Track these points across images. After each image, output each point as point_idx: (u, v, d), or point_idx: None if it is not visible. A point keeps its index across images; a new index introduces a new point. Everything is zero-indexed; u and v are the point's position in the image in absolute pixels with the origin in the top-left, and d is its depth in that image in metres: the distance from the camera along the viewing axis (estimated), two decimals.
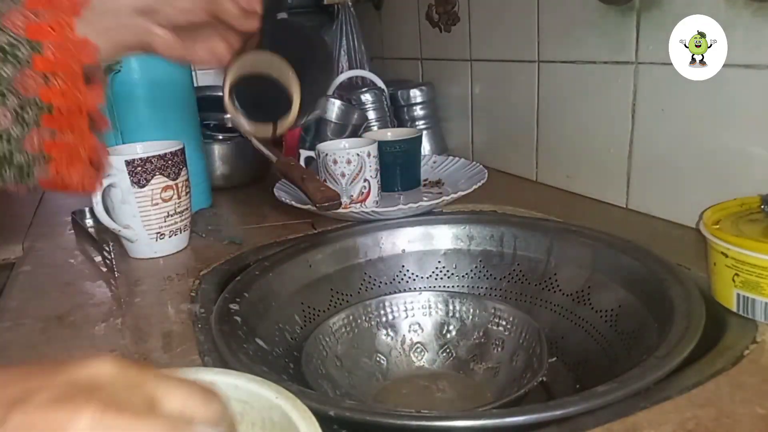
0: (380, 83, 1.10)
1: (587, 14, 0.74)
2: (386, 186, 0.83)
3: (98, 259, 0.70)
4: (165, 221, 0.69)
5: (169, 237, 0.70)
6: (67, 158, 0.40)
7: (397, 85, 1.10)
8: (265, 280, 0.61)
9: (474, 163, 0.86)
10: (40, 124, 0.39)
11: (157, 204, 0.68)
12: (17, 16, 0.38)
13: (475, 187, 0.76)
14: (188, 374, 0.36)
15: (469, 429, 0.36)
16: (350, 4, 1.17)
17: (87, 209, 0.83)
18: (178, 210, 0.70)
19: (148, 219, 0.68)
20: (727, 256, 0.46)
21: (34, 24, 0.38)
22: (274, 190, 0.79)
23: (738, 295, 0.47)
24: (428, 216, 0.74)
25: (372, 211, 0.71)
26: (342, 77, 1.09)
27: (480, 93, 1.01)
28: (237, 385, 0.34)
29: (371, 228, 0.72)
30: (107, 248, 0.65)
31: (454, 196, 0.73)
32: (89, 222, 0.82)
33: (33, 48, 0.38)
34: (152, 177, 0.66)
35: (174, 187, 0.69)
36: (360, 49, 1.19)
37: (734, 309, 0.47)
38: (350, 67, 1.17)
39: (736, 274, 0.46)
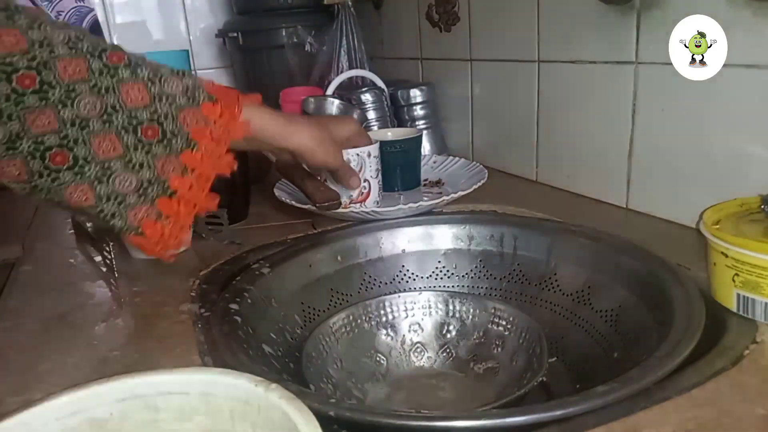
0: (380, 83, 1.10)
1: (587, 14, 0.74)
2: (386, 186, 0.83)
3: (98, 259, 0.70)
4: None
5: None
6: (156, 240, 0.45)
7: (397, 85, 1.10)
8: (265, 280, 0.61)
9: (474, 163, 0.86)
10: (154, 203, 0.44)
11: None
12: (191, 115, 0.44)
13: (475, 186, 0.76)
14: (188, 375, 0.36)
15: (469, 429, 0.36)
16: (350, 3, 1.17)
17: None
18: None
19: None
20: (727, 256, 0.46)
21: (200, 128, 0.45)
22: (274, 190, 0.79)
23: (738, 295, 0.47)
24: (428, 216, 0.74)
25: (372, 211, 0.71)
26: (342, 77, 1.09)
27: (480, 93, 1.01)
28: (237, 385, 0.34)
29: (371, 228, 0.72)
30: (107, 248, 0.65)
31: (454, 195, 0.73)
32: (89, 223, 0.82)
33: (189, 144, 0.44)
34: None
35: None
36: (360, 49, 1.18)
37: (734, 309, 0.47)
38: (350, 67, 1.17)
39: (736, 274, 0.46)
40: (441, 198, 0.73)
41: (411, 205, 0.71)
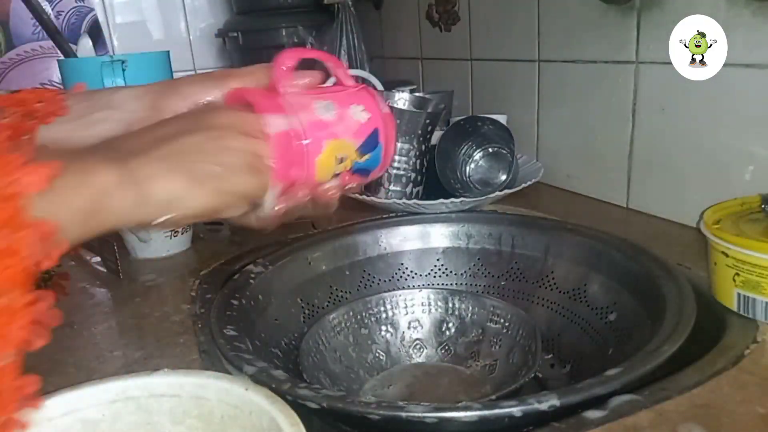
0: (378, 85, 1.10)
1: (587, 14, 0.74)
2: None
3: (97, 259, 0.70)
4: None
5: (182, 234, 0.70)
6: None
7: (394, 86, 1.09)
8: (264, 276, 0.61)
9: (533, 160, 0.85)
10: None
11: None
12: None
13: (524, 185, 0.74)
14: (179, 377, 0.36)
15: (456, 420, 0.36)
16: (350, 3, 1.17)
17: None
18: None
19: None
20: (727, 255, 0.46)
21: None
22: None
23: (738, 294, 0.46)
24: (428, 215, 0.74)
25: (415, 203, 0.71)
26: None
27: (481, 92, 1.01)
28: (229, 390, 0.34)
29: (371, 226, 0.72)
30: (110, 249, 0.65)
31: (499, 194, 0.72)
32: None
33: None
34: None
35: None
36: (360, 49, 1.18)
37: (735, 309, 0.47)
38: (350, 67, 1.17)
39: (737, 274, 0.46)
40: (485, 196, 0.72)
41: (453, 200, 0.70)
